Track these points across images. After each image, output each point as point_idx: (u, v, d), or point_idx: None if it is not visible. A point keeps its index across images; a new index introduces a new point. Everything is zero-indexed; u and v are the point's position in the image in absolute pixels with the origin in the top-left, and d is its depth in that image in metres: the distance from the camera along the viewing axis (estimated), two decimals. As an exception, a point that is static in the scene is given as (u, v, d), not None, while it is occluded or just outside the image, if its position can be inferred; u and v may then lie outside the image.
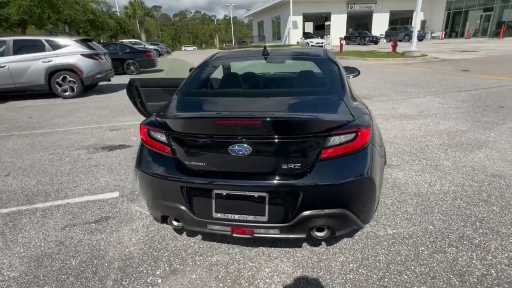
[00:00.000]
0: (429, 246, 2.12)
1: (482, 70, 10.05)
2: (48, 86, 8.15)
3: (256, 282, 1.88)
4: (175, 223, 1.98)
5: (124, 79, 12.71)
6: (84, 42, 8.58)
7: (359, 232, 2.28)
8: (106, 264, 2.07)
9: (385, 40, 32.42)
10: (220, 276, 1.93)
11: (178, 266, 2.03)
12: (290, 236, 1.81)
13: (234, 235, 1.83)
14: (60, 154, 4.22)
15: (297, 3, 31.92)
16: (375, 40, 30.11)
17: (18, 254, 2.20)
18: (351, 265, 1.98)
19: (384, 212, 2.53)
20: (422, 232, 2.27)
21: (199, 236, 2.31)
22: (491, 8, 31.16)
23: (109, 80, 9.66)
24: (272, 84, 2.90)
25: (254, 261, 2.05)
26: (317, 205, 1.69)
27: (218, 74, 3.01)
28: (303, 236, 1.79)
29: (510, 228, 2.26)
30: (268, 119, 1.70)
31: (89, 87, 9.00)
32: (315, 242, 2.19)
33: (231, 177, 1.74)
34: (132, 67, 13.79)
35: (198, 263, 2.05)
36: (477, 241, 2.15)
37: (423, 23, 35.69)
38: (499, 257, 1.99)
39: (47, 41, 8.03)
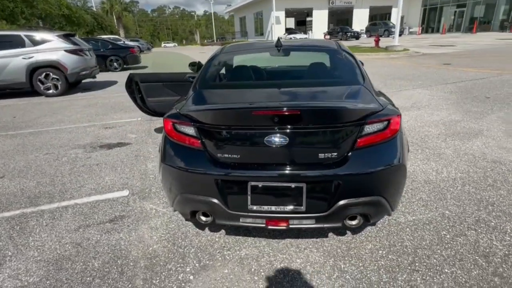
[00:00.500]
0: (450, 230, 2.19)
1: (463, 64, 10.47)
2: (29, 84, 7.73)
3: (290, 273, 1.87)
4: (203, 218, 1.94)
5: (108, 76, 12.33)
6: (67, 37, 8.18)
7: (381, 220, 2.32)
8: (131, 264, 2.00)
9: (365, 36, 33.10)
10: (253, 269, 1.91)
11: (207, 262, 1.99)
12: (325, 225, 1.81)
13: (269, 227, 1.81)
14: (55, 154, 4.02)
15: (279, -2, 31.90)
16: (357, 36, 30.67)
17: (33, 258, 2.08)
18: (380, 252, 2.01)
19: (401, 200, 2.59)
20: (440, 217, 2.35)
21: (222, 231, 2.28)
22: (464, 5, 32.46)
23: (94, 77, 9.29)
24: (292, 75, 2.86)
25: (284, 253, 2.04)
26: (354, 194, 1.70)
27: (232, 66, 2.96)
28: (339, 225, 1.80)
29: (521, 210, 2.38)
30: (307, 108, 1.69)
31: (73, 84, 8.62)
32: (340, 232, 2.21)
33: (267, 168, 1.71)
34: (115, 64, 13.34)
35: (228, 257, 2.02)
36: (493, 223, 2.24)
37: (402, 18, 36.67)
38: (517, 237, 2.09)
39: (27, 36, 7.59)
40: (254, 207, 1.74)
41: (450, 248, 2.01)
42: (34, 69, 7.65)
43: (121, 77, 11.54)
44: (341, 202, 1.69)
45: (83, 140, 4.55)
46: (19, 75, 7.56)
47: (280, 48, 2.64)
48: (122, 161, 3.70)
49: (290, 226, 1.79)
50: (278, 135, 1.66)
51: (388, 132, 1.75)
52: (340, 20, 41.93)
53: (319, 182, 1.70)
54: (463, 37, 25.27)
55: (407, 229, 2.23)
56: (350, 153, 1.70)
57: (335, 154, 1.70)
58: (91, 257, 2.07)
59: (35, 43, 7.61)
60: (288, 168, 1.70)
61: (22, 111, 6.65)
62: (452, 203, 2.53)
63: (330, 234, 2.19)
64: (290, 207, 1.72)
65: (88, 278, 1.89)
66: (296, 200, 1.71)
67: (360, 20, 37.03)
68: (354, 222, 1.84)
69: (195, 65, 4.23)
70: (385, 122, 1.74)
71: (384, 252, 2.01)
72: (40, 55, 7.60)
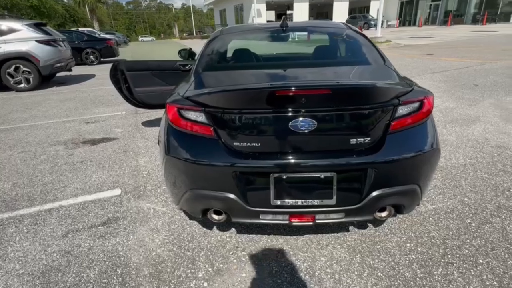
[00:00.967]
0: (474, 218, 2.09)
1: (445, 54, 10.66)
2: (-3, 78, 7.08)
3: (316, 273, 1.69)
4: (216, 216, 1.71)
5: (85, 70, 11.63)
6: (38, 26, 7.54)
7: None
8: (133, 272, 1.74)
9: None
10: (274, 271, 1.71)
11: (221, 266, 1.77)
12: (355, 219, 1.64)
13: (293, 223, 1.61)
14: (32, 152, 3.62)
15: (260, -10, 31.47)
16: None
17: (14, 271, 1.78)
18: (408, 244, 1.86)
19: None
20: (461, 205, 2.24)
21: (233, 230, 2.06)
22: (439, -2, 33.39)
23: (70, 70, 8.67)
24: (304, 56, 2.60)
25: (305, 251, 1.85)
26: (389, 183, 1.53)
27: (236, 48, 2.71)
28: (370, 218, 1.63)
29: (539, 194, 2.31)
30: (339, 87, 1.49)
31: (46, 78, 7.99)
32: (361, 225, 2.04)
33: (292, 157, 1.50)
34: (92, 57, 12.60)
35: (243, 259, 1.81)
36: (515, 209, 2.16)
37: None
38: (543, 222, 2.00)
39: (-9, 25, 6.92)
40: (278, 202, 1.53)
41: (479, 237, 1.90)
42: (1, 62, 7.00)
43: (99, 70, 10.92)
44: (375, 193, 1.51)
45: (63, 136, 4.15)
46: (-16, 68, 6.89)
47: (286, 28, 2.42)
48: (109, 157, 3.37)
49: (317, 221, 1.60)
50: (305, 118, 1.45)
51: (422, 113, 1.58)
52: (320, 14, 42.05)
53: (351, 171, 1.51)
54: (439, 29, 25.97)
55: (430, 218, 2.10)
56: (384, 138, 1.52)
57: (368, 139, 1.51)
58: (85, 267, 1.79)
59: (1, 33, 6.95)
60: (317, 156, 1.50)
61: (-10, 107, 6.06)
62: (469, 189, 2.43)
63: (351, 227, 2.03)
64: (318, 201, 1.53)
65: (83, 292, 1.62)
66: (325, 192, 1.52)
67: (340, 13, 37.27)
68: (384, 214, 1.67)
69: (185, 52, 3.94)
70: (419, 103, 1.58)
71: (412, 244, 1.86)
72: (8, 45, 6.96)
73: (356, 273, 1.67)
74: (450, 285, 1.57)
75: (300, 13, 35.84)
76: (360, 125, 1.50)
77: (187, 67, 3.91)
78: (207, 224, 2.12)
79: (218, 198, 1.59)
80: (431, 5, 34.84)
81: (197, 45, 4.07)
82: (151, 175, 2.91)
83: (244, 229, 2.06)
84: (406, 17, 37.92)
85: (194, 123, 1.60)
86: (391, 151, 1.49)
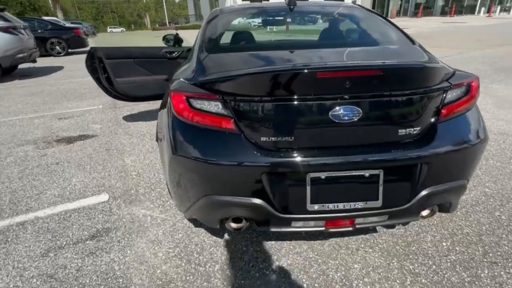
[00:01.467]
0: (502, 210, 1.97)
1: (423, 44, 10.82)
2: None
3: (353, 284, 1.47)
4: (234, 225, 1.44)
5: (50, 62, 10.67)
6: (-6, 12, 6.71)
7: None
8: (137, 297, 1.44)
9: (274, 27, 33.48)
10: (305, 285, 1.48)
11: (243, 282, 1.51)
12: (399, 221, 1.43)
13: (330, 230, 1.38)
14: (-4, 153, 3.13)
15: (235, -21, 30.64)
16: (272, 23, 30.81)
17: (-17, 306, 1.42)
18: (443, 244, 1.70)
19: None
20: (484, 196, 2.12)
21: (248, 237, 1.80)
22: (410, -10, 34.30)
23: (34, 61, 7.85)
24: (322, 37, 2.31)
25: (335, 258, 1.63)
26: (441, 179, 1.33)
27: (243, 27, 2.41)
28: (416, 219, 1.43)
29: (558, 182, 2.25)
30: (392, 67, 1.26)
31: (7, 70, 7.19)
32: (388, 224, 1.86)
33: (333, 153, 1.26)
34: (58, 48, 11.61)
35: (267, 272, 1.56)
36: (539, 198, 2.07)
37: (354, 3, 37.77)
38: None
39: None
40: (315, 207, 1.29)
41: (514, 231, 1.77)
42: (-48, 51, 6.17)
43: (67, 62, 10.09)
44: (425, 191, 1.31)
45: (32, 134, 3.65)
46: None
47: (293, 7, 2.15)
48: (90, 157, 2.97)
49: (356, 226, 1.38)
50: (349, 106, 1.21)
51: (469, 98, 1.39)
52: (296, 4, 41.83)
53: (401, 166, 1.29)
54: (412, 21, 26.71)
55: (458, 213, 1.95)
56: (435, 127, 1.32)
57: (418, 128, 1.30)
58: (75, 294, 1.47)
59: (-50, 18, 6.10)
60: (361, 151, 1.27)
61: None
62: (487, 179, 2.33)
63: (379, 227, 1.83)
64: (361, 203, 1.30)
65: (76, 329, 1.31)
66: (370, 192, 1.30)
67: (315, 4, 37.27)
68: (426, 214, 1.48)
69: (171, 38, 3.56)
70: (467, 87, 1.39)
71: (448, 243, 1.70)
72: (-41, 33, 6.13)
73: (397, 281, 1.48)
74: (502, 289, 1.42)
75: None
76: (411, 113, 1.28)
77: (174, 55, 3.54)
78: (217, 231, 1.84)
79: (241, 205, 1.32)
80: (402, -4, 35.76)
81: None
82: (142, 175, 2.57)
83: (261, 235, 1.81)
84: (379, 8, 38.71)
85: (210, 115, 1.31)
86: (444, 142, 1.29)
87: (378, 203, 1.30)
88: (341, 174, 1.27)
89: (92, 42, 16.46)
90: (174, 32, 3.79)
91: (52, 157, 2.99)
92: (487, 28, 16.05)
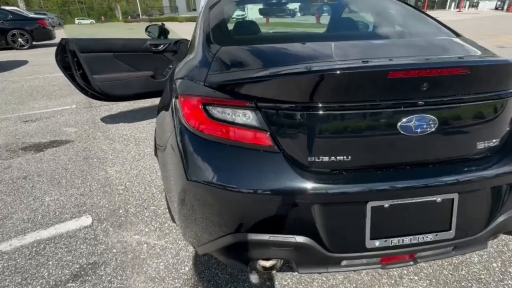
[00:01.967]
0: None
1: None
2: None
3: (408, 326, 1.22)
4: (265, 263, 1.14)
5: (12, 55, 9.68)
6: None
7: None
8: None
9: (299, 14, 33.39)
10: (351, 332, 1.21)
11: (275, 332, 1.21)
12: (466, 252, 1.19)
13: (388, 266, 1.11)
14: None
15: (211, -30, 29.70)
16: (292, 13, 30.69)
17: None
18: (494, 265, 1.49)
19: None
20: None
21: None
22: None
23: (-7, 55, 7.03)
24: (352, 27, 1.99)
25: (379, 291, 1.38)
26: None
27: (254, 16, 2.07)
28: (484, 248, 1.20)
29: None
30: (481, 64, 0.99)
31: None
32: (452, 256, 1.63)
33: (400, 175, 0.98)
34: (21, 40, 10.59)
35: (302, 315, 1.28)
36: None
37: None
38: None
39: None
40: (376, 243, 1.01)
41: None
42: None
43: (32, 56, 9.22)
44: (504, 216, 1.08)
45: (-8, 141, 3.12)
46: None
47: None
48: (65, 168, 2.53)
49: (418, 260, 1.12)
50: (424, 114, 0.93)
51: None
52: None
53: (479, 189, 1.04)
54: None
55: (497, 225, 1.76)
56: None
57: (498, 141, 1.05)
58: None
59: None
60: (434, 171, 1.00)
61: None
62: None
63: (418, 247, 1.60)
64: (431, 235, 1.04)
65: None
66: (442, 221, 1.04)
67: (293, -3, 37.07)
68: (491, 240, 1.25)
69: (156, 29, 3.16)
70: None
71: (499, 265, 1.49)
72: None
73: (459, 319, 1.25)
74: None
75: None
76: (496, 121, 1.03)
77: (160, 48, 3.14)
78: (231, 263, 1.53)
79: (280, 245, 1.01)
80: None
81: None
82: (131, 190, 2.19)
83: (284, 266, 1.52)
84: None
85: (237, 127, 0.99)
86: None
87: (450, 234, 1.04)
88: (409, 201, 0.99)
89: (59, 35, 15.33)
90: (159, 22, 3.37)
91: (18, 170, 2.52)
92: (463, 23, 16.55)
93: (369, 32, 1.87)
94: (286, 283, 1.42)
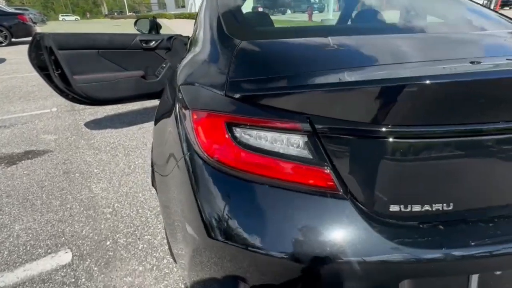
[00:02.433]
0: None
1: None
2: None
3: None
4: None
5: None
6: None
7: None
8: None
9: (289, 11, 33.12)
10: None
11: None
12: None
13: None
14: None
15: (200, -34, 29.12)
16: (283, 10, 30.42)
17: None
18: None
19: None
20: None
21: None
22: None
23: (-35, 53, 6.46)
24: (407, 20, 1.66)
25: None
26: None
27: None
28: None
29: None
30: None
31: None
32: None
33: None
34: (-2, 36, 9.93)
35: None
36: None
37: None
38: None
39: None
40: None
41: None
42: None
43: (10, 53, 8.64)
44: None
45: (-45, 152, 2.69)
46: None
47: None
48: (41, 185, 2.15)
49: None
50: None
51: None
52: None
53: None
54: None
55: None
56: None
57: None
58: None
59: None
60: None
61: None
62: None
63: None
64: None
65: None
66: None
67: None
68: None
69: (146, 23, 2.79)
70: None
71: None
72: None
73: None
74: None
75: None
76: None
77: (152, 44, 2.77)
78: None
79: None
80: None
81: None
82: (120, 213, 1.84)
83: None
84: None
85: (281, 160, 0.66)
86: None
87: None
88: None
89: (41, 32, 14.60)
90: (149, 16, 3.00)
91: (-16, 188, 2.13)
92: None
93: (415, 24, 1.55)
94: None
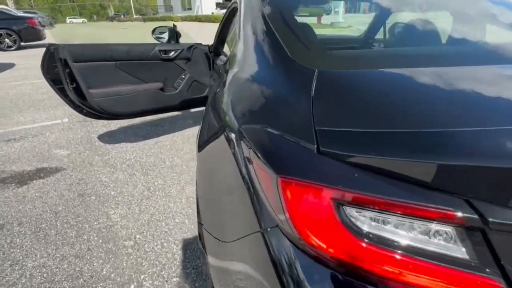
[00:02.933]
0: None
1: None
2: None
3: None
4: None
5: (-2, 57, 8.96)
6: None
7: None
8: None
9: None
10: None
11: None
12: None
13: None
14: None
15: (207, -31, 29.12)
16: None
17: None
18: None
19: None
20: None
21: None
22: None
23: (-26, 58, 6.38)
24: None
25: None
26: None
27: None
28: None
29: None
30: None
31: None
32: None
33: None
34: (7, 40, 9.89)
35: None
36: None
37: None
38: None
39: None
40: None
41: None
42: None
43: (20, 58, 8.57)
44: None
45: (-37, 169, 2.54)
46: None
47: None
48: (55, 211, 1.97)
49: None
50: None
51: None
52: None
53: None
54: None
55: None
56: None
57: None
58: None
59: None
60: None
61: None
62: None
63: None
64: None
65: None
66: None
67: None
68: None
69: (165, 32, 2.62)
70: None
71: None
72: None
73: None
74: None
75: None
76: None
77: (171, 55, 2.60)
78: None
79: None
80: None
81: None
82: (143, 248, 1.65)
83: None
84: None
85: (422, 261, 0.46)
86: None
87: None
88: None
89: (49, 35, 14.65)
90: (169, 24, 2.83)
91: (-6, 214, 1.95)
92: None
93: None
94: None
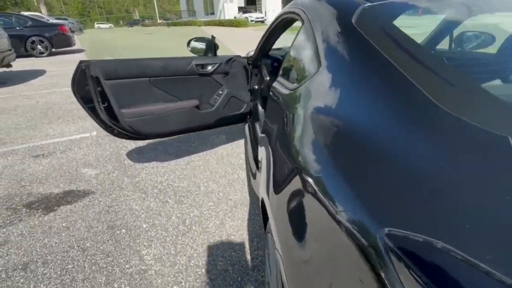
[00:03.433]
0: None
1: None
2: None
3: None
4: None
5: (30, 63, 9.21)
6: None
7: None
8: None
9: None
10: None
11: None
12: None
13: None
14: None
15: (230, -27, 29.26)
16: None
17: None
18: None
19: None
20: None
21: None
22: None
23: (8, 66, 6.49)
24: None
25: None
26: None
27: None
28: None
29: None
30: None
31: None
32: None
33: None
34: (40, 47, 10.16)
35: None
36: None
37: None
38: None
39: None
40: None
41: None
42: None
43: (51, 64, 8.74)
44: None
45: (-10, 190, 2.40)
46: None
47: None
48: (83, 247, 1.76)
49: None
50: None
51: None
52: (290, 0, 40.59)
53: None
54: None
55: None
56: None
57: None
58: None
59: None
60: None
61: None
62: None
63: None
64: None
65: None
66: None
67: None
68: None
69: (203, 43, 2.39)
70: None
71: None
72: None
73: None
74: None
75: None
76: None
77: (209, 69, 2.36)
78: None
79: None
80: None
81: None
82: (182, 305, 1.39)
83: None
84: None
85: None
86: None
87: None
88: None
89: (78, 41, 15.08)
90: (194, 28, 2.60)
91: (17, 249, 1.77)
92: None
93: None
94: None
